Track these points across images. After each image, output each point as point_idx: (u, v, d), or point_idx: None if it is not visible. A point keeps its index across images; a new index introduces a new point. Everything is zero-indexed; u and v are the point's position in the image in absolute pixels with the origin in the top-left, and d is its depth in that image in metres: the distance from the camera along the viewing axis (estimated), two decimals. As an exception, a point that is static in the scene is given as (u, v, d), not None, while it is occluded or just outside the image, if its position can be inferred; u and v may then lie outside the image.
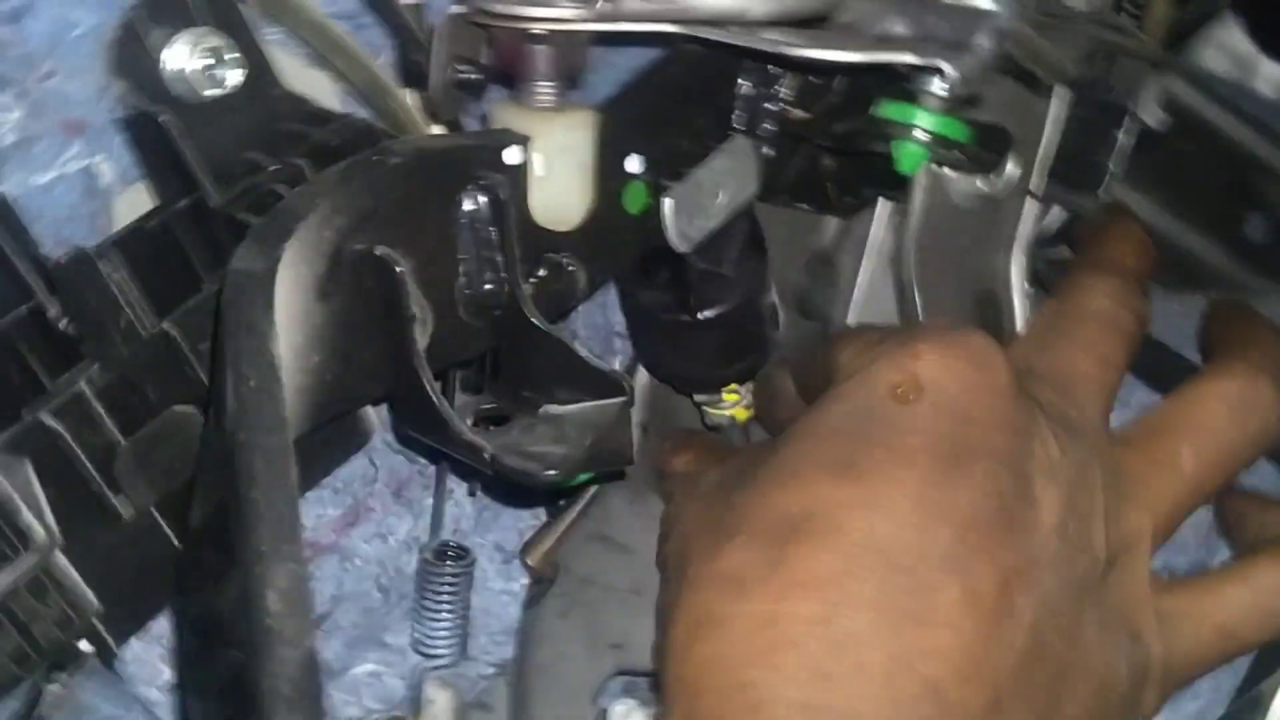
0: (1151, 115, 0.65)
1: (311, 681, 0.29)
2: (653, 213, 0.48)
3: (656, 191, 0.48)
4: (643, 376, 0.59)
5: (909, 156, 0.45)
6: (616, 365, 0.62)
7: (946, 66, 0.41)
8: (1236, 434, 0.46)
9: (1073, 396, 0.45)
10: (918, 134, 0.45)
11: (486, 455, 0.39)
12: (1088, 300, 0.48)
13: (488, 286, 0.43)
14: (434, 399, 0.40)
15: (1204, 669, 0.46)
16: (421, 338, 0.41)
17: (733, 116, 0.51)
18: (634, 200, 0.48)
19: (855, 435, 0.42)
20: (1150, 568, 0.45)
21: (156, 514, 0.43)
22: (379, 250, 0.40)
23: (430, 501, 0.57)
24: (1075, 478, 0.43)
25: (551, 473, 0.38)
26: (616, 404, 0.41)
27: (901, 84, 0.46)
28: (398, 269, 0.40)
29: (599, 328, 0.62)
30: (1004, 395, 0.42)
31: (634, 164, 0.47)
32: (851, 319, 0.64)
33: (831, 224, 0.63)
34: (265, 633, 0.29)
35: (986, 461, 0.41)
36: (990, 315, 0.59)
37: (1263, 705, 0.42)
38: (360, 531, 0.55)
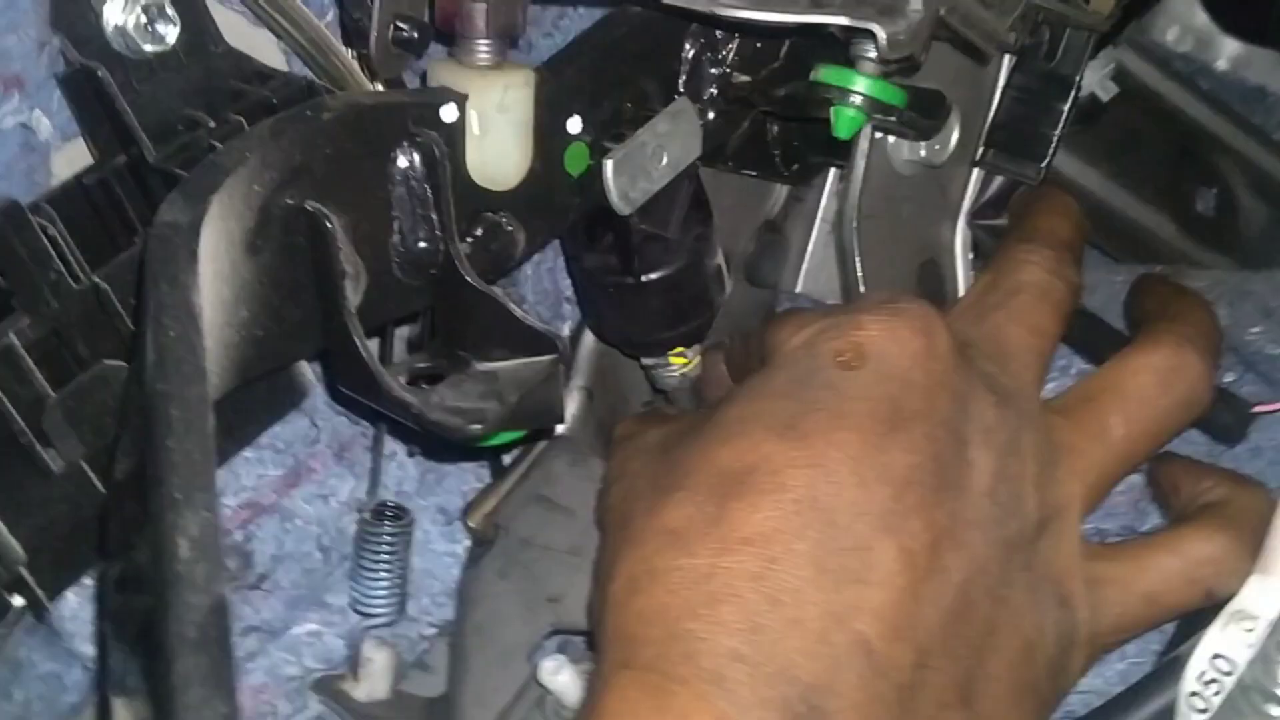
0: (1102, 88, 0.65)
1: (219, 628, 0.29)
2: (594, 174, 0.48)
3: (598, 153, 0.48)
4: (589, 340, 0.59)
5: (846, 121, 0.46)
6: (565, 331, 0.62)
7: (878, 29, 0.41)
8: (1165, 403, 0.47)
9: (1006, 365, 0.46)
10: (854, 99, 0.45)
11: (413, 411, 0.39)
12: (1020, 272, 0.49)
13: (422, 244, 0.43)
14: (364, 356, 0.40)
15: (1130, 635, 0.46)
16: (353, 295, 0.41)
17: (678, 80, 0.52)
18: (575, 161, 0.48)
19: (799, 398, 0.43)
20: (1080, 534, 0.45)
21: (86, 468, 0.43)
22: (310, 206, 0.40)
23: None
24: (1008, 443, 0.43)
25: (476, 427, 0.38)
26: (546, 361, 0.41)
27: (840, 49, 0.46)
28: (329, 225, 0.40)
29: (548, 293, 0.62)
30: (944, 361, 0.43)
31: (575, 125, 0.47)
32: (800, 288, 0.65)
33: (781, 192, 0.63)
34: (174, 579, 0.29)
35: (925, 424, 0.42)
36: (933, 284, 0.59)
37: (1180, 668, 0.43)
38: (302, 492, 0.55)
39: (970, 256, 0.59)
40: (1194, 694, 0.44)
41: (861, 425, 0.41)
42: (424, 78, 0.46)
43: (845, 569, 0.39)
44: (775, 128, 0.56)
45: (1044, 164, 0.55)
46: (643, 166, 0.49)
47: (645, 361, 0.59)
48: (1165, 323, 0.48)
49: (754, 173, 0.57)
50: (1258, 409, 0.49)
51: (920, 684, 0.40)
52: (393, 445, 0.57)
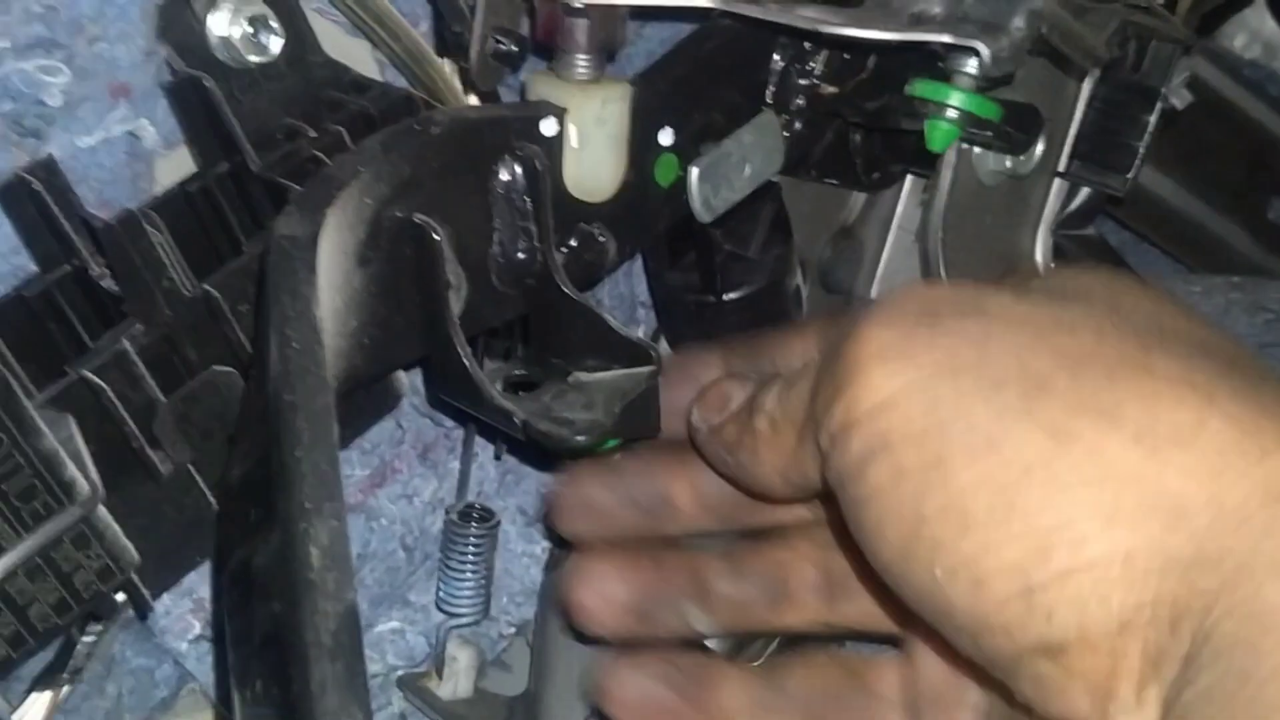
0: (1177, 96, 0.65)
1: (352, 634, 0.30)
2: (682, 185, 0.49)
3: (687, 164, 0.49)
4: (664, 347, 0.60)
5: (941, 135, 0.46)
6: (640, 334, 0.63)
7: (982, 47, 0.41)
8: None
9: None
10: (950, 113, 0.45)
11: (518, 420, 0.40)
12: None
13: (521, 255, 0.44)
14: (467, 364, 0.41)
15: None
16: (456, 304, 0.42)
17: (765, 91, 0.52)
18: (665, 173, 0.49)
19: None
20: None
21: (193, 471, 0.44)
22: (417, 218, 0.41)
23: (455, 464, 0.58)
24: None
25: (581, 438, 0.39)
26: (645, 372, 0.41)
27: (935, 63, 0.46)
28: (435, 237, 0.41)
29: (624, 297, 0.63)
30: None
31: (666, 137, 0.48)
32: (875, 293, 0.65)
33: (856, 199, 0.63)
34: (307, 586, 0.30)
35: None
36: (1013, 294, 0.59)
37: None
38: (387, 492, 0.56)
39: (1051, 265, 0.59)
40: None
41: None
42: (522, 90, 0.47)
43: None
44: (858, 137, 0.56)
45: (1129, 175, 0.56)
46: (726, 175, 0.50)
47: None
48: None
49: (835, 181, 0.58)
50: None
51: None
52: (474, 447, 0.58)
